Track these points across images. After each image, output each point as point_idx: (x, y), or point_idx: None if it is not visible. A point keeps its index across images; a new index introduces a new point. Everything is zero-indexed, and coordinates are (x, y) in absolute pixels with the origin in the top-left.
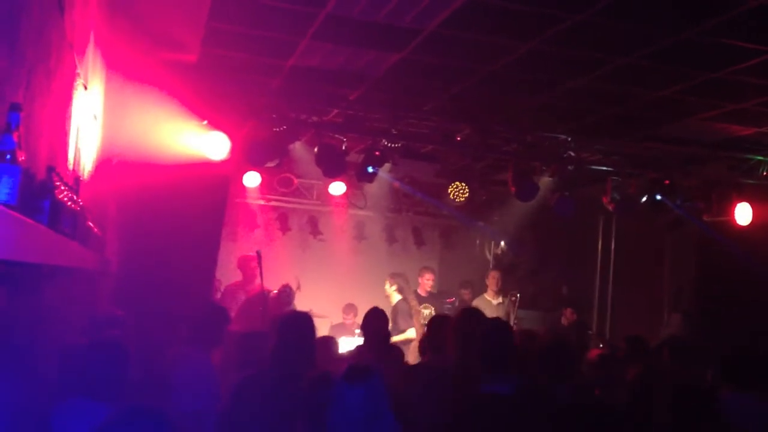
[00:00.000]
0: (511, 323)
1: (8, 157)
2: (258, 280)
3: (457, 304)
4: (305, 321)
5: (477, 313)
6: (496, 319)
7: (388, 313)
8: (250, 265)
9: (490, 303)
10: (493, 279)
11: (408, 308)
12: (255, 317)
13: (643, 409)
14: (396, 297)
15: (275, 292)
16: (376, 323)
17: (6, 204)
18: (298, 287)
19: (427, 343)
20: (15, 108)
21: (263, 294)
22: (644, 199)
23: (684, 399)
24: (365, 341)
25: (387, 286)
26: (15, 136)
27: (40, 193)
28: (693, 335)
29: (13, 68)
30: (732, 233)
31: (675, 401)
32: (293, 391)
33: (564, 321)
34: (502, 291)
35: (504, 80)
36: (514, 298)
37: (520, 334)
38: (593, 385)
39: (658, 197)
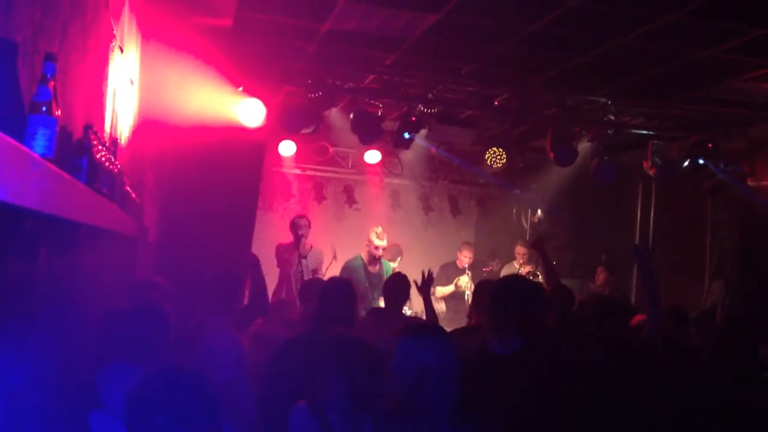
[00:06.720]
0: None
1: (44, 108)
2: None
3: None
4: (346, 287)
5: (511, 278)
6: (512, 282)
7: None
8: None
9: (517, 271)
10: (517, 254)
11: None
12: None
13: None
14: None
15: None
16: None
17: (43, 157)
18: (335, 257)
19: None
20: (50, 58)
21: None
22: (686, 163)
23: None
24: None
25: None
26: (51, 86)
27: (78, 151)
28: (734, 303)
29: (46, 19)
30: None
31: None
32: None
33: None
34: (531, 260)
35: (545, 40)
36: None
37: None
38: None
39: (701, 161)
